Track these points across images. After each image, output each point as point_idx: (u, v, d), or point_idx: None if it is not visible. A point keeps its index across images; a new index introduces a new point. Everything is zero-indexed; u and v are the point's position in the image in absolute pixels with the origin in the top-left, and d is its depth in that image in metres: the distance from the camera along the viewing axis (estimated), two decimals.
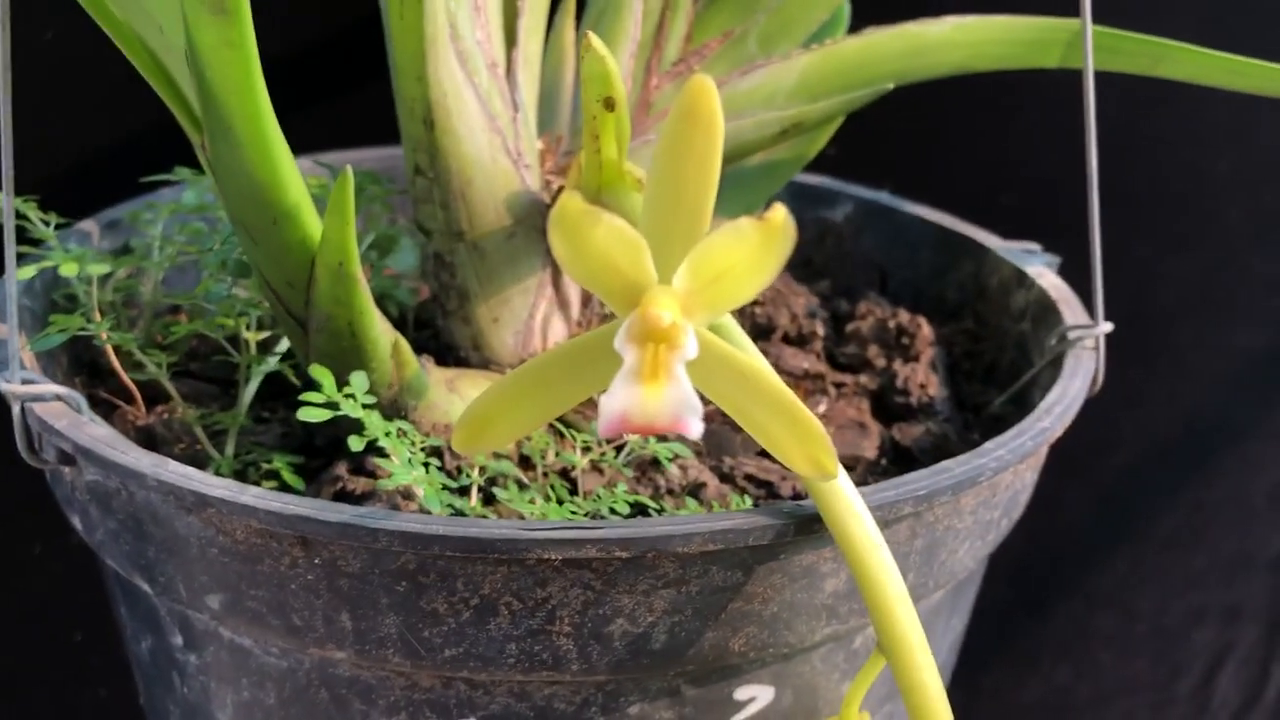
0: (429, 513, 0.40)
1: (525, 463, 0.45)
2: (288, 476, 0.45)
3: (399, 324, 0.49)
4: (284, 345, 0.49)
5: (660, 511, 0.43)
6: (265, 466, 0.45)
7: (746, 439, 0.49)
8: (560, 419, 0.45)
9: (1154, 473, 0.80)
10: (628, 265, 0.30)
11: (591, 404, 0.48)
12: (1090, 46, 0.49)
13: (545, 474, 0.45)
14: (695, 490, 0.45)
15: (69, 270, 0.46)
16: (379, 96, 0.69)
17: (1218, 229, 0.74)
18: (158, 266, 0.52)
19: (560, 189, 0.49)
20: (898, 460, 0.50)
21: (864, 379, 0.54)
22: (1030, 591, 0.82)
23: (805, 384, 0.54)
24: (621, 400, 0.30)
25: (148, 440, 0.48)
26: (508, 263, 0.49)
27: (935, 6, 0.55)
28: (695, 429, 0.30)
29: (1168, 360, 0.77)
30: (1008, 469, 0.42)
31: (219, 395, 0.51)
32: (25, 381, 0.42)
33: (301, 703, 0.42)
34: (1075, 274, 0.56)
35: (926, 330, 0.55)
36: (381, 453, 0.43)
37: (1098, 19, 0.50)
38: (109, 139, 0.71)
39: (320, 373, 0.41)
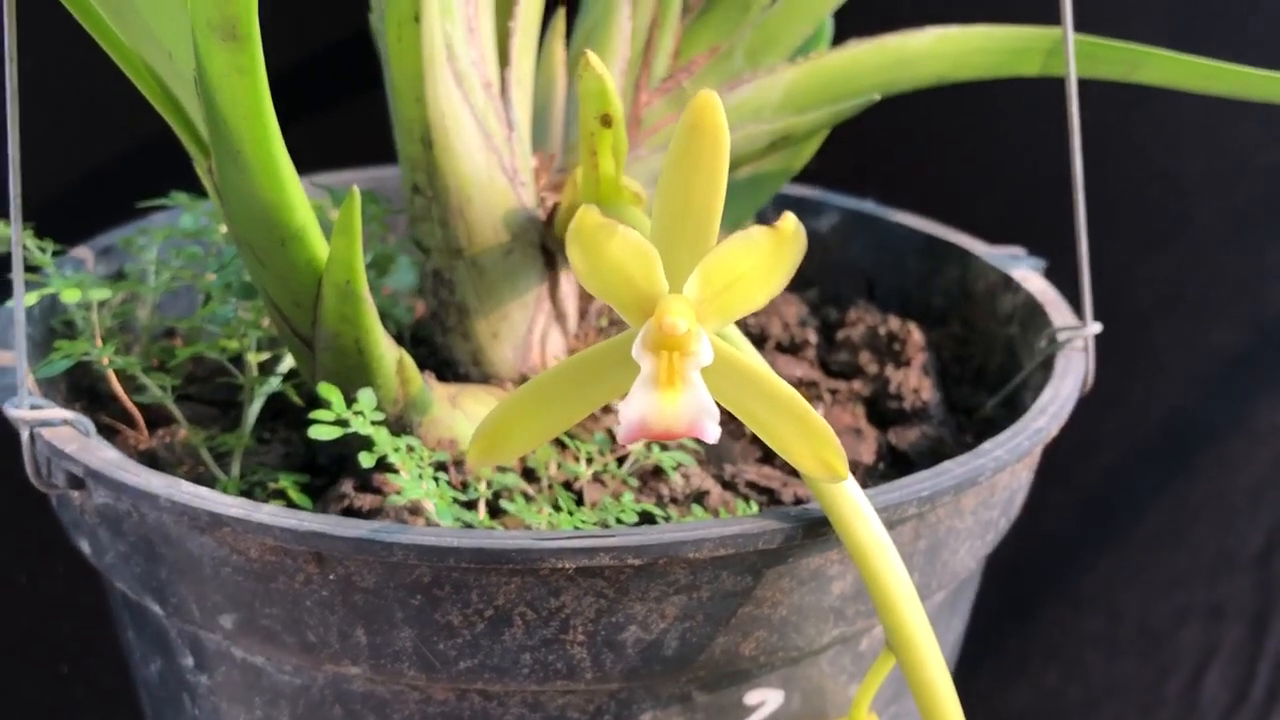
0: (438, 526, 0.41)
1: (530, 476, 0.46)
2: (295, 495, 0.45)
3: (397, 342, 0.49)
4: (285, 366, 0.49)
5: (667, 520, 0.44)
6: (271, 486, 0.46)
7: (746, 447, 0.50)
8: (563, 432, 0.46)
9: (1135, 473, 0.81)
10: (641, 275, 0.31)
11: (593, 417, 0.48)
12: (1072, 53, 0.50)
13: (550, 486, 0.45)
14: (699, 498, 0.46)
15: (71, 296, 0.46)
16: (360, 116, 0.69)
17: (1191, 230, 0.75)
18: (154, 291, 0.53)
19: (555, 205, 0.50)
20: (895, 464, 0.51)
21: (857, 385, 0.55)
22: (1017, 595, 0.83)
23: (800, 391, 0.54)
24: (640, 407, 0.30)
25: (151, 463, 0.48)
26: (506, 278, 0.49)
27: (917, 17, 0.56)
28: (713, 433, 0.31)
29: (1145, 361, 0.78)
30: (1006, 469, 0.43)
31: (218, 417, 0.52)
32: (34, 407, 0.42)
33: None
34: (1055, 277, 0.57)
35: (917, 336, 0.56)
36: (387, 469, 0.44)
37: (1077, 26, 0.51)
38: (93, 163, 0.71)
39: (329, 390, 0.42)
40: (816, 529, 0.39)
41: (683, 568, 0.38)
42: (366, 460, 0.41)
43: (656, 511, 0.44)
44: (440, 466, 0.45)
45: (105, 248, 0.57)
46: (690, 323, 0.30)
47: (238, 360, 0.50)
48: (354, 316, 0.41)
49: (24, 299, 0.46)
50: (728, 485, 0.47)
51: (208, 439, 0.47)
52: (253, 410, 0.48)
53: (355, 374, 0.43)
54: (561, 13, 0.55)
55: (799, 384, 0.54)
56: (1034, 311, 0.54)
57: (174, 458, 0.48)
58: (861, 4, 0.57)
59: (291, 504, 0.45)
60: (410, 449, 0.42)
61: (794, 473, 0.48)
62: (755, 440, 0.50)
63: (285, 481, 0.45)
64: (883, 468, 0.50)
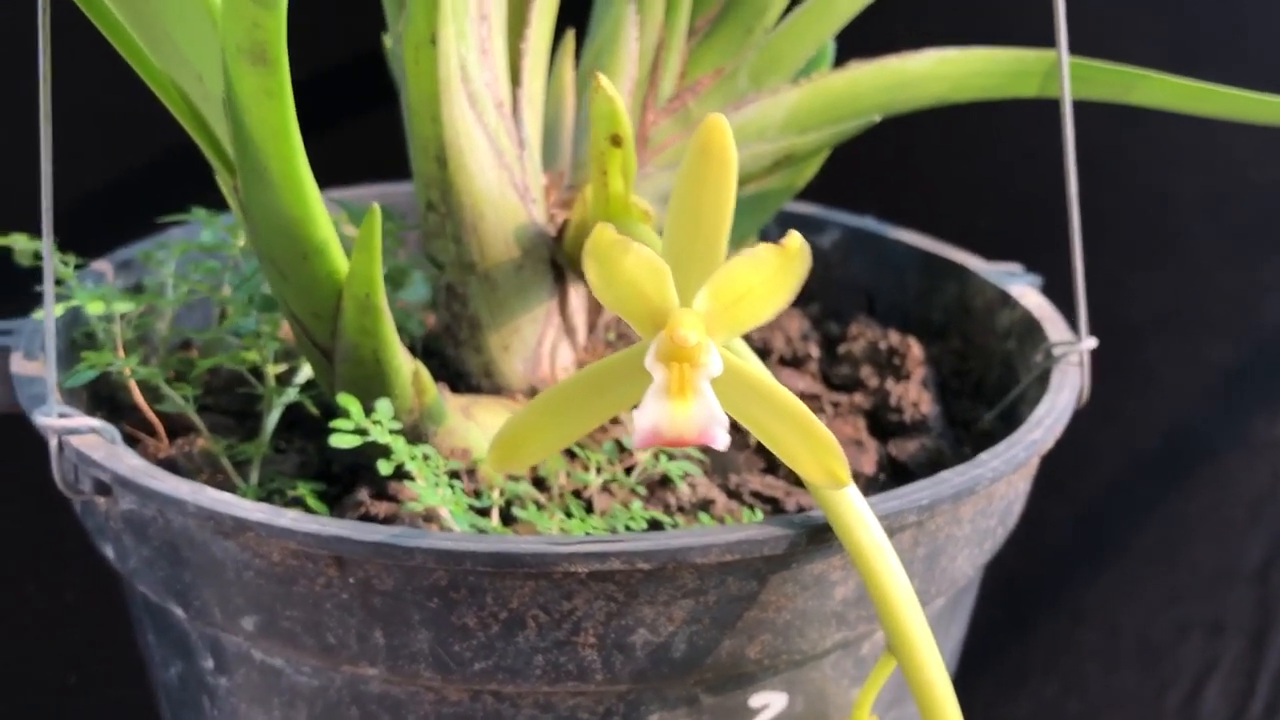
0: (454, 531, 0.42)
1: (541, 484, 0.47)
2: (312, 503, 0.46)
3: (411, 354, 0.51)
4: (302, 377, 0.51)
5: (674, 527, 0.45)
6: (289, 494, 0.47)
7: (750, 457, 0.51)
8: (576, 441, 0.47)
9: (1133, 488, 0.81)
10: (653, 290, 0.32)
11: (602, 428, 0.50)
12: (1067, 76, 0.52)
13: (561, 494, 0.47)
14: (704, 506, 0.47)
15: (95, 309, 0.48)
16: (370, 132, 0.70)
17: (1188, 246, 0.76)
18: (173, 304, 0.54)
19: (565, 222, 0.51)
20: (895, 475, 0.52)
21: (858, 398, 0.56)
22: (1017, 607, 0.84)
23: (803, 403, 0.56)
24: (653, 415, 0.32)
25: (171, 471, 0.49)
26: (517, 293, 0.51)
27: (916, 39, 0.58)
28: (722, 440, 0.32)
29: (1142, 376, 0.78)
30: (1002, 478, 0.45)
31: (235, 426, 0.53)
32: (62, 416, 0.43)
33: None
34: (1053, 292, 0.58)
35: (917, 350, 0.57)
36: (403, 477, 0.45)
37: (1074, 49, 0.52)
38: (105, 175, 0.73)
39: (349, 400, 0.43)
40: (819, 536, 0.40)
41: (690, 573, 0.39)
42: (385, 468, 0.42)
43: (664, 519, 0.45)
44: (454, 475, 0.46)
45: (124, 261, 0.59)
46: (700, 335, 0.32)
47: (255, 371, 0.51)
48: (373, 329, 0.42)
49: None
50: (733, 494, 0.48)
51: (227, 448, 0.48)
52: (271, 420, 0.49)
53: (373, 384, 0.44)
54: (571, 34, 0.57)
55: (802, 396, 0.55)
56: (1031, 327, 0.56)
57: (193, 465, 0.50)
58: (863, 25, 0.58)
59: (309, 511, 0.46)
60: (426, 457, 0.44)
61: (797, 482, 0.49)
62: (759, 451, 0.51)
63: (303, 489, 0.47)
64: (883, 478, 0.52)
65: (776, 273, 0.32)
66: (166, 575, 0.43)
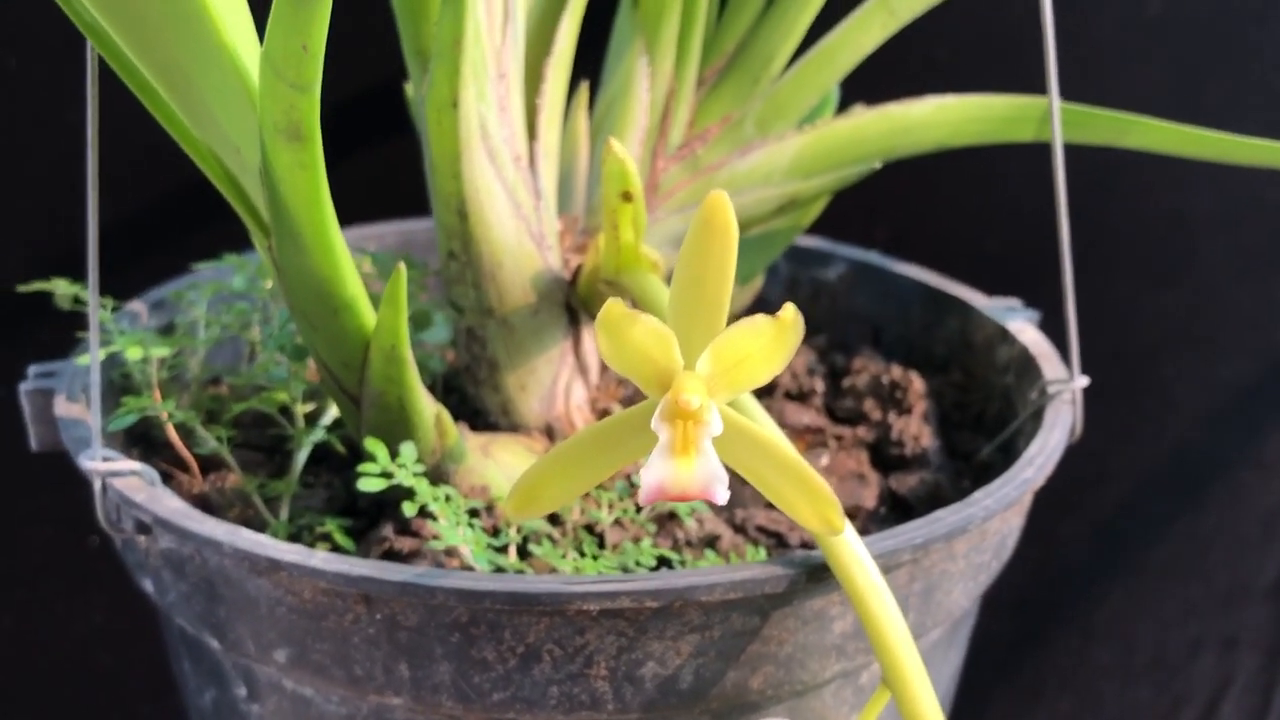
0: (473, 569, 0.45)
1: (555, 519, 0.50)
2: (340, 538, 0.49)
3: (431, 391, 0.53)
4: (329, 417, 0.53)
5: (682, 564, 0.47)
6: (318, 530, 0.50)
7: (755, 492, 0.54)
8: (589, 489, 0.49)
9: (1147, 506, 0.82)
10: (659, 355, 0.35)
11: None
12: (1058, 122, 0.54)
13: (574, 529, 0.49)
14: (711, 542, 0.49)
15: (135, 354, 0.50)
16: (388, 167, 0.72)
17: (1200, 266, 0.77)
18: (205, 344, 0.57)
19: (579, 267, 0.54)
20: (896, 508, 0.54)
21: (861, 431, 0.58)
22: (1031, 624, 0.85)
23: (807, 437, 0.58)
24: (658, 473, 0.34)
25: (204, 507, 0.52)
26: (533, 335, 0.53)
27: (918, 85, 0.60)
28: (722, 496, 0.35)
29: (1156, 395, 0.80)
30: (995, 516, 0.47)
31: (264, 462, 0.56)
32: (105, 459, 0.46)
33: None
34: (1057, 323, 0.59)
35: (918, 384, 0.60)
36: (425, 513, 0.48)
37: (1076, 91, 0.53)
38: (129, 213, 0.75)
39: (375, 445, 0.45)
40: (819, 574, 0.42)
41: (696, 609, 0.42)
42: (409, 509, 0.45)
43: (672, 555, 0.47)
44: (473, 513, 0.48)
45: (157, 301, 0.62)
46: (702, 398, 0.34)
47: (284, 410, 0.54)
48: (398, 377, 0.45)
49: (87, 357, 0.50)
50: (739, 529, 0.51)
51: (259, 486, 0.51)
52: (300, 458, 0.52)
53: (397, 428, 0.47)
54: (585, 86, 0.59)
55: (806, 430, 0.58)
56: (1028, 363, 0.58)
57: (225, 501, 0.52)
58: (867, 71, 0.60)
59: (337, 546, 0.49)
60: (448, 498, 0.46)
61: None
62: None
63: (331, 525, 0.49)
64: (884, 512, 0.54)
65: (773, 340, 0.34)
66: (203, 609, 0.46)
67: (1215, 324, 0.78)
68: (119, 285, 0.61)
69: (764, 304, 0.66)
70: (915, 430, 0.57)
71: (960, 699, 0.58)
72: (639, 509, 0.50)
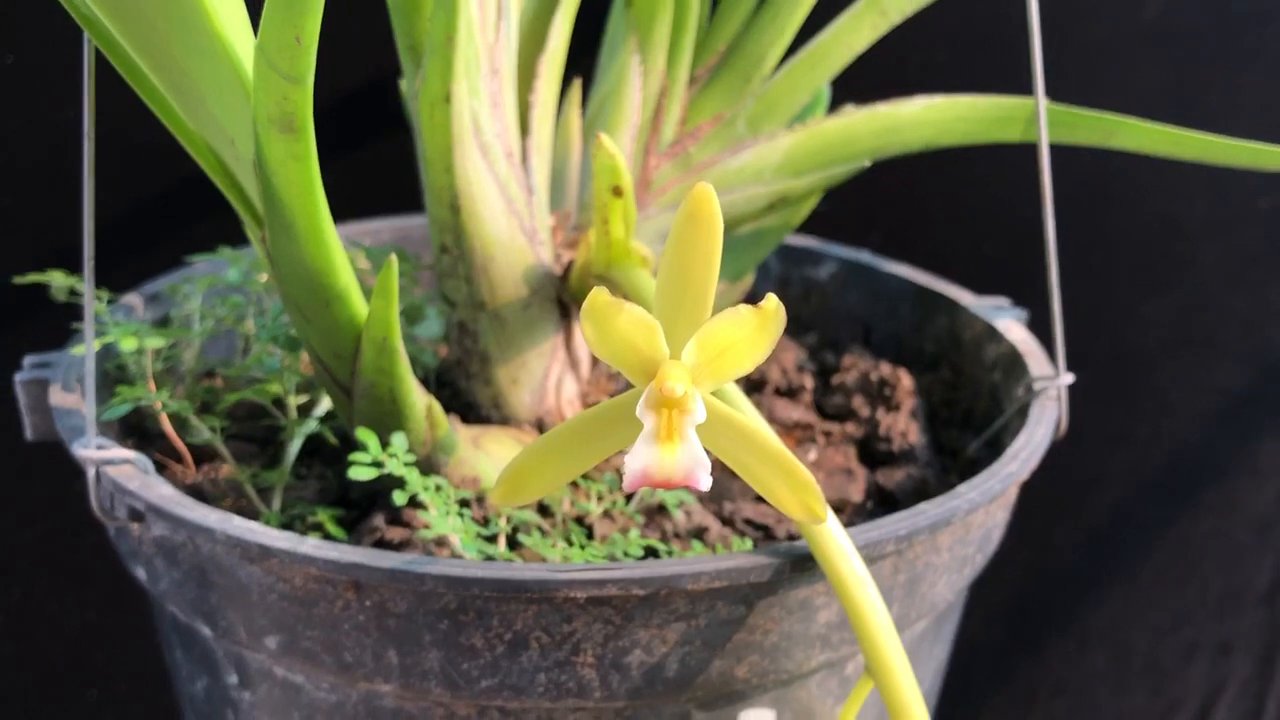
0: (463, 558, 0.45)
1: (545, 511, 0.50)
2: (331, 528, 0.49)
3: (424, 384, 0.54)
4: (322, 409, 0.54)
5: (669, 554, 0.48)
6: (310, 520, 0.50)
7: (744, 485, 0.54)
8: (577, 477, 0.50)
9: (1141, 510, 0.83)
10: (645, 344, 0.35)
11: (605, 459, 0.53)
12: (1045, 125, 0.54)
13: (564, 521, 0.50)
14: (699, 533, 0.50)
15: (129, 345, 0.51)
16: (382, 162, 0.73)
17: (1195, 271, 0.77)
18: (200, 336, 0.57)
19: (570, 262, 0.54)
20: (882, 503, 0.55)
21: (850, 427, 0.59)
22: (1025, 629, 0.85)
23: (796, 433, 0.59)
24: (643, 459, 0.35)
25: (197, 496, 0.53)
26: (525, 329, 0.54)
27: (908, 85, 0.60)
28: (705, 483, 0.35)
29: (1151, 400, 0.80)
30: (979, 509, 0.47)
31: (257, 453, 0.56)
32: (99, 447, 0.46)
33: None
34: (1048, 318, 0.60)
35: (906, 381, 0.60)
36: (417, 505, 0.48)
37: (1064, 92, 0.54)
38: (123, 206, 0.75)
39: (367, 435, 0.46)
40: (804, 564, 0.43)
41: (682, 598, 0.42)
42: (400, 498, 0.45)
43: (660, 546, 0.48)
44: (464, 503, 0.49)
45: (152, 294, 0.62)
46: (686, 386, 0.35)
47: (277, 402, 0.54)
48: (389, 368, 0.45)
49: (82, 347, 0.51)
50: (726, 521, 0.51)
51: (251, 476, 0.52)
52: (293, 449, 0.52)
53: (389, 419, 0.47)
54: (578, 82, 0.60)
55: (796, 426, 0.59)
56: (1014, 361, 0.58)
57: (218, 491, 0.53)
58: (858, 70, 0.61)
59: (329, 536, 0.49)
60: (438, 488, 0.47)
61: None
62: None
63: (323, 515, 0.50)
64: (870, 506, 0.55)
65: (756, 330, 0.35)
66: (195, 597, 0.46)
67: (1210, 329, 0.79)
68: (115, 278, 0.62)
69: (755, 302, 0.66)
70: (903, 426, 0.58)
71: (954, 704, 0.58)
72: (628, 500, 0.50)
